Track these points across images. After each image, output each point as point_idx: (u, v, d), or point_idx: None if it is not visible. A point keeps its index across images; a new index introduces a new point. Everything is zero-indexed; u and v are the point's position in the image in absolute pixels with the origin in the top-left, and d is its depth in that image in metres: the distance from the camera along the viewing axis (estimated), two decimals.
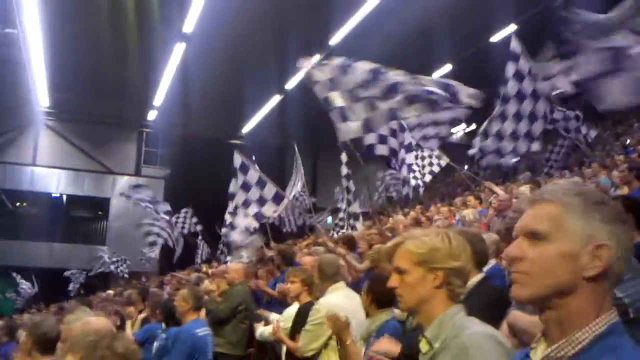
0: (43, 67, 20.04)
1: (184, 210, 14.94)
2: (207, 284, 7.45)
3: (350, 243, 6.84)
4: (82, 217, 28.79)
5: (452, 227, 6.76)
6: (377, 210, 12.85)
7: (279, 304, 6.45)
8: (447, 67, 21.23)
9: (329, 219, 13.75)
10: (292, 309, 5.06)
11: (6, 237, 25.28)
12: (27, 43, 17.96)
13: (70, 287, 17.96)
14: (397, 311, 3.96)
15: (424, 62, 20.47)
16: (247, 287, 6.77)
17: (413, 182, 9.63)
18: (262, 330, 5.34)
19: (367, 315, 4.00)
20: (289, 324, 4.86)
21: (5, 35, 18.66)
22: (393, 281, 2.02)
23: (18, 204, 27.99)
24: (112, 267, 17.00)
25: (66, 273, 18.87)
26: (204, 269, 12.26)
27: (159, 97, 23.13)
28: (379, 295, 3.84)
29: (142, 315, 7.06)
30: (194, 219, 14.82)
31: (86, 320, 2.94)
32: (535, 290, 1.25)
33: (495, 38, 19.09)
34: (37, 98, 23.67)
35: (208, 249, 15.22)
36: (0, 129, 24.57)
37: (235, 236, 7.72)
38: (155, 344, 5.40)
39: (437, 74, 21.63)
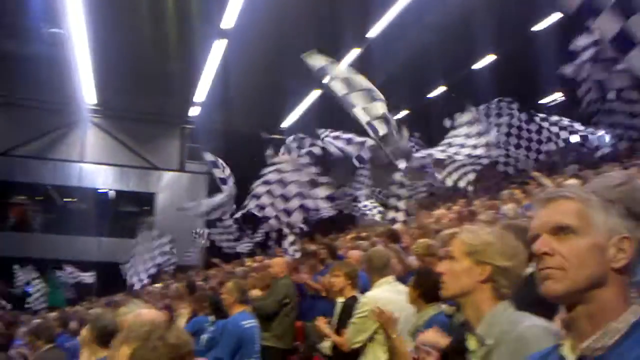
0: (89, 65, 20.53)
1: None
2: (250, 280, 7.52)
3: (393, 237, 6.81)
4: (128, 212, 29.48)
5: (498, 221, 6.66)
6: (421, 203, 12.76)
7: (323, 298, 6.48)
8: (490, 58, 20.84)
9: (372, 211, 13.75)
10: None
11: (56, 232, 26.17)
12: (73, 43, 18.43)
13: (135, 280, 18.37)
14: (444, 306, 3.94)
15: (465, 53, 20.19)
16: (290, 280, 6.82)
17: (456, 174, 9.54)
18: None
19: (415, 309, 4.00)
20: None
21: (52, 36, 19.20)
22: (441, 266, 2.05)
23: (67, 199, 28.89)
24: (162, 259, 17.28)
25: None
26: (248, 263, 12.41)
27: (201, 93, 23.44)
28: (426, 289, 3.84)
29: (189, 308, 7.19)
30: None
31: (138, 312, 3.03)
32: (571, 284, 1.27)
33: (538, 27, 18.61)
34: (84, 96, 24.31)
35: (251, 243, 15.42)
36: (48, 127, 25.33)
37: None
38: (204, 336, 5.51)
39: (480, 65, 21.28)
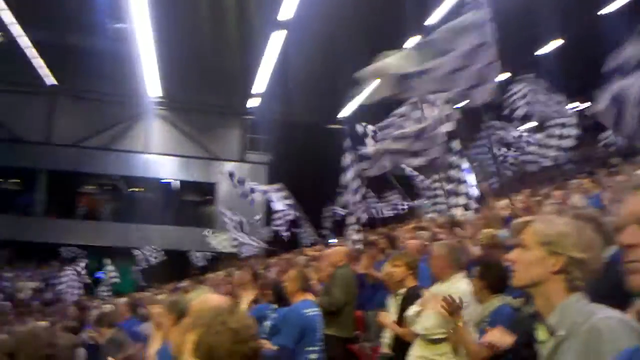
0: (153, 59, 21.11)
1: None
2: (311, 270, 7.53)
3: (455, 227, 6.70)
4: (191, 201, 30.36)
5: (565, 211, 6.44)
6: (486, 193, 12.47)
7: (384, 288, 6.45)
8: (556, 43, 20.12)
9: (426, 202, 13.56)
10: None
11: (124, 220, 27.24)
12: (137, 37, 18.98)
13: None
14: (509, 298, 3.86)
15: (530, 38, 19.56)
16: (350, 269, 6.81)
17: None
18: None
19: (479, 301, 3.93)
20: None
21: (117, 30, 19.86)
22: (512, 254, 2.00)
23: (133, 189, 30.01)
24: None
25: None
26: (308, 252, 12.51)
27: (260, 84, 23.71)
28: (492, 281, 3.77)
29: (251, 295, 7.28)
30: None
31: (204, 298, 3.10)
32: None
33: (607, 10, 17.81)
34: (148, 89, 25.09)
35: (311, 232, 15.51)
36: (115, 120, 26.30)
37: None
38: (267, 323, 5.57)
39: (546, 50, 20.59)
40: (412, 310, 4.40)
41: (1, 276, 25.22)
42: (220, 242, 18.04)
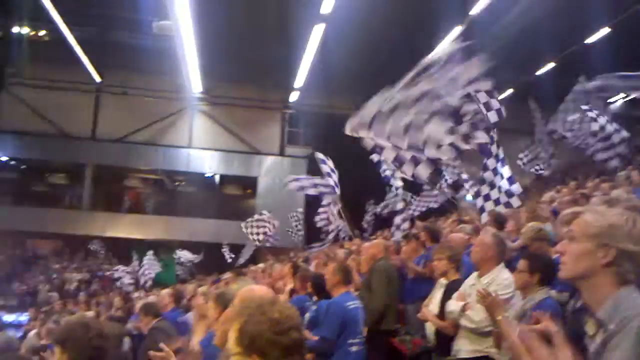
0: (195, 55, 21.37)
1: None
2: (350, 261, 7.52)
3: (500, 221, 6.57)
4: (233, 195, 30.75)
5: (614, 203, 6.24)
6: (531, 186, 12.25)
7: (424, 281, 6.39)
8: (604, 31, 19.50)
9: (468, 195, 13.35)
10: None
11: (167, 214, 27.79)
12: (180, 33, 19.23)
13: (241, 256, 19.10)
14: (553, 291, 3.78)
15: (578, 26, 19.03)
16: (390, 262, 6.77)
17: None
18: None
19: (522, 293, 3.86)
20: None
21: (161, 27, 20.17)
22: (561, 246, 1.96)
23: (177, 183, 30.60)
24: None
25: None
26: (346, 246, 12.50)
27: (300, 78, 23.75)
28: (538, 273, 3.70)
29: (289, 287, 7.33)
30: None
31: (248, 288, 3.13)
32: None
33: None
34: (191, 85, 25.46)
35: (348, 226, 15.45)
36: (159, 115, 26.80)
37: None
38: (307, 315, 5.60)
39: (594, 39, 19.99)
40: (455, 304, 4.35)
41: (49, 268, 26.16)
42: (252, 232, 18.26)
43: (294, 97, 26.65)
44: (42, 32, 24.99)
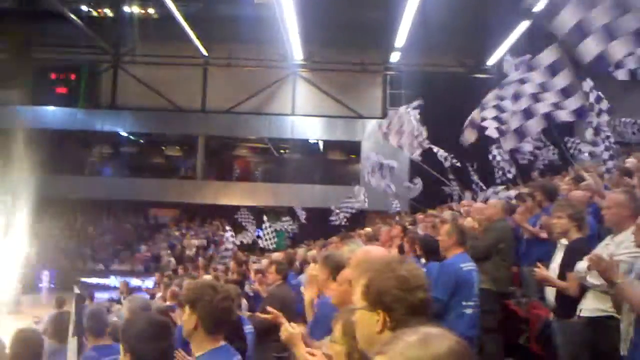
0: (294, 22, 21.47)
1: None
2: (469, 221, 7.33)
3: (626, 173, 6.14)
4: (337, 160, 31.05)
5: None
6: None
7: (540, 242, 6.14)
8: None
9: (585, 152, 12.59)
10: None
11: (274, 180, 28.61)
12: (280, 1, 19.36)
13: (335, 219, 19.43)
14: None
15: None
16: (507, 223, 6.55)
17: None
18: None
19: None
20: None
21: None
22: None
23: (282, 150, 31.37)
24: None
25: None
26: (456, 207, 12.22)
27: (401, 38, 23.19)
28: None
29: (395, 250, 7.30)
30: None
31: (366, 249, 3.15)
32: None
33: None
34: (292, 52, 25.69)
35: (457, 187, 15.13)
36: (263, 84, 27.35)
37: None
38: None
39: None
40: (582, 264, 4.11)
41: (170, 235, 27.92)
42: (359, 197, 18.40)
43: (394, 57, 26.10)
44: (150, 10, 26.21)
